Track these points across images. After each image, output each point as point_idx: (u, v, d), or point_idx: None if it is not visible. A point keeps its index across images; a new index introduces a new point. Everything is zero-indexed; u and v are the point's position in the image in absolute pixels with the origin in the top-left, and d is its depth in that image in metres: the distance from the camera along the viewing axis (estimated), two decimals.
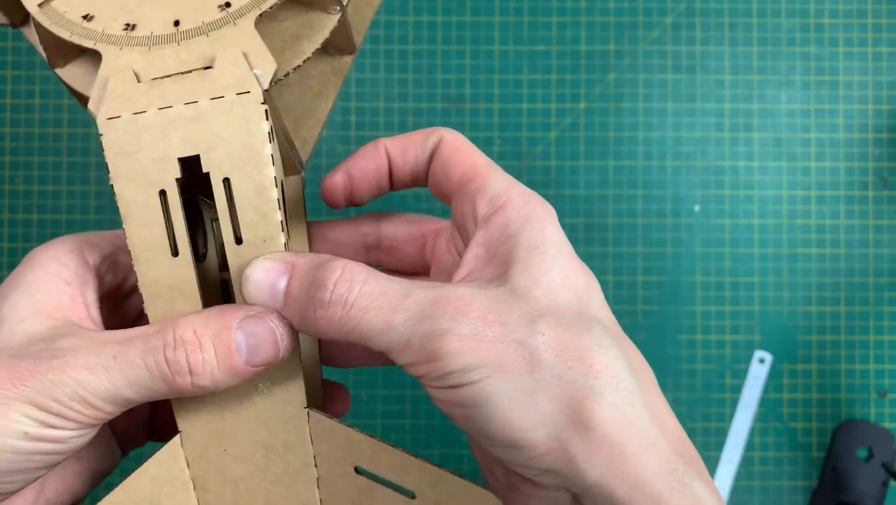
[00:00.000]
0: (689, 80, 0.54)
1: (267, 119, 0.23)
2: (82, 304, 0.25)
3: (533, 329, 0.23)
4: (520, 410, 0.22)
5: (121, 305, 0.29)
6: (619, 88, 0.54)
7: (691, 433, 0.53)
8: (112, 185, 0.23)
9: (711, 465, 0.52)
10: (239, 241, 0.24)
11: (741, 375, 0.53)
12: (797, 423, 0.53)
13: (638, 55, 0.54)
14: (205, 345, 0.23)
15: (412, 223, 0.31)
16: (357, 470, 0.26)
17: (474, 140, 0.55)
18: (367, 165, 0.28)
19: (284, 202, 0.26)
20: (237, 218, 0.24)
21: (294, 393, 0.26)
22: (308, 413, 0.26)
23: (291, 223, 0.28)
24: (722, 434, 0.53)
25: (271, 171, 0.23)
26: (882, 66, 0.54)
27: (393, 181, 0.29)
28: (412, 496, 0.25)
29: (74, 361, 0.23)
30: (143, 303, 0.24)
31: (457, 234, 0.28)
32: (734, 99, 0.54)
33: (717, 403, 0.53)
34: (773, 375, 0.53)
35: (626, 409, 0.22)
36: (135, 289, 0.28)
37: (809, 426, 0.53)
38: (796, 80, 0.54)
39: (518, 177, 0.53)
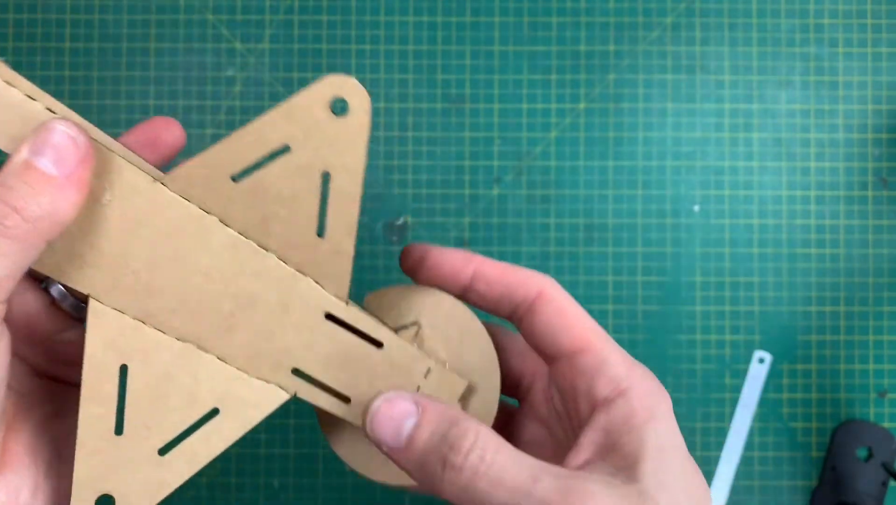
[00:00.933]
0: (689, 80, 0.54)
1: None
2: None
3: None
4: None
5: None
6: (618, 88, 0.54)
7: (691, 433, 0.53)
8: None
9: (711, 464, 0.53)
10: None
11: (741, 374, 0.53)
12: (797, 422, 0.53)
13: (638, 55, 0.54)
14: (12, 184, 0.23)
15: (522, 356, 0.31)
16: (235, 178, 0.25)
17: (474, 140, 0.55)
18: (443, 267, 0.28)
19: None
20: None
21: (132, 177, 0.25)
22: (161, 183, 0.25)
23: None
24: (722, 434, 0.53)
25: None
26: (882, 66, 0.54)
27: (467, 297, 0.29)
28: (287, 148, 0.25)
29: None
30: None
31: (556, 394, 0.28)
32: (734, 99, 0.54)
33: (717, 402, 0.53)
34: (773, 374, 0.53)
35: None
36: None
37: (809, 426, 0.53)
38: (796, 80, 0.54)
39: (518, 176, 0.54)
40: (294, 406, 0.51)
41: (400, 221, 0.53)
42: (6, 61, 0.29)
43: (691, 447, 0.53)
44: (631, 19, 0.54)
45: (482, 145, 0.53)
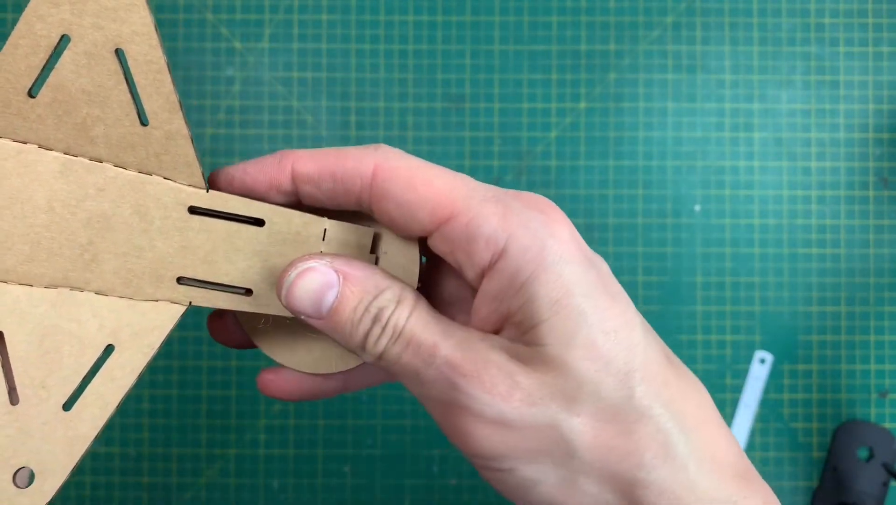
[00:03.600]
0: (690, 80, 0.54)
1: None
2: None
3: (570, 410, 0.21)
4: (563, 495, 0.21)
5: None
6: (619, 88, 0.54)
7: None
8: None
9: None
10: None
11: (741, 375, 0.53)
12: (798, 423, 0.53)
13: (638, 55, 0.54)
14: None
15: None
16: (31, 94, 0.23)
17: (474, 140, 0.55)
18: (257, 179, 0.24)
19: None
20: None
21: None
22: None
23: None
24: None
25: None
26: (882, 66, 0.54)
27: (302, 200, 0.24)
28: (67, 38, 0.23)
29: None
30: None
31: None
32: (734, 99, 0.54)
33: (718, 403, 0.53)
34: (774, 375, 0.53)
35: (680, 476, 0.21)
36: None
37: (810, 426, 0.53)
38: (796, 79, 0.54)
39: (518, 176, 0.53)
40: (294, 407, 0.51)
41: None
42: None
43: None
44: (631, 19, 0.54)
45: (482, 145, 0.53)
